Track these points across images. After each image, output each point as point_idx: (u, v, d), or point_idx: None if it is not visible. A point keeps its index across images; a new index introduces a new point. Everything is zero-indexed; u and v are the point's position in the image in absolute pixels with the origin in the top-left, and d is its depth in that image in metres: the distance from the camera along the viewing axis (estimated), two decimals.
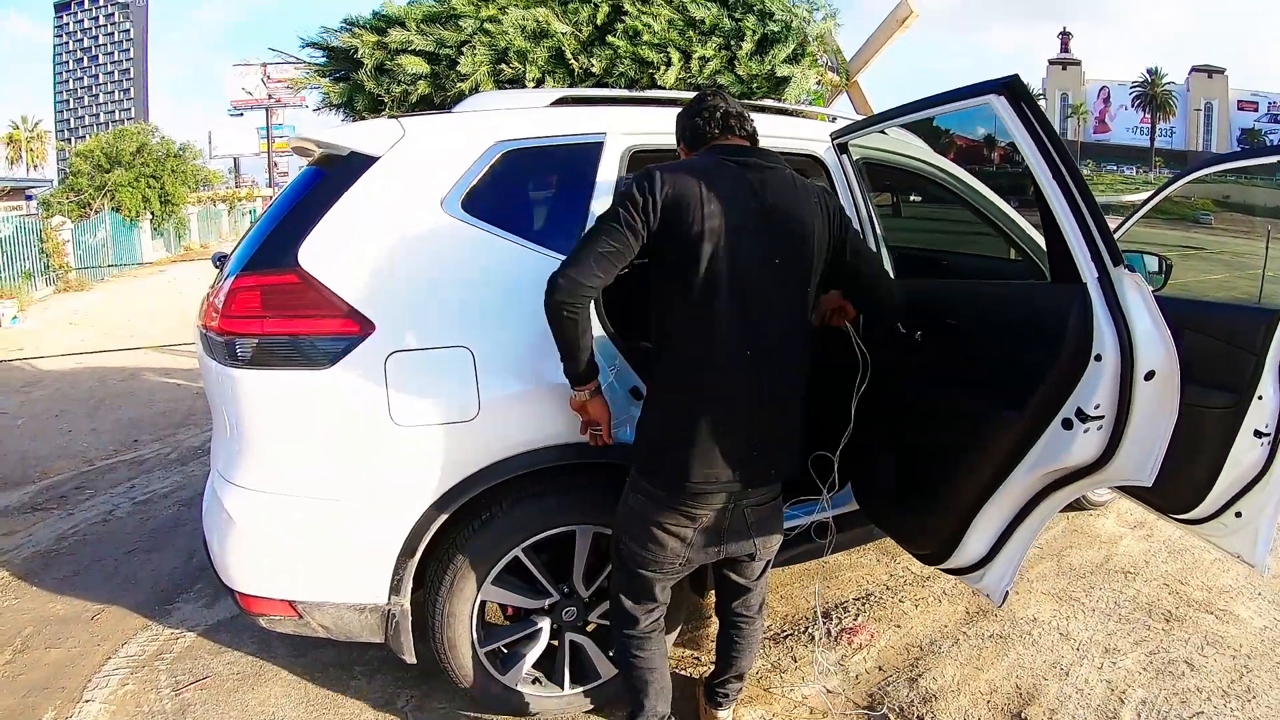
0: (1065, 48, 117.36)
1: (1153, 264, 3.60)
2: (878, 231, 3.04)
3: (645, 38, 3.10)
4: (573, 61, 3.15)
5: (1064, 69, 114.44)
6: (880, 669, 3.09)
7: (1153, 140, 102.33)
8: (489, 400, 2.31)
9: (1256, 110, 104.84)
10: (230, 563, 2.38)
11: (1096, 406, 2.15)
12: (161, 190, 21.39)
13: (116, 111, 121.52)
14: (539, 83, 3.19)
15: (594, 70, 3.15)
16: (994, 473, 2.37)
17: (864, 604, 3.55)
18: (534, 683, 2.67)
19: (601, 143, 2.58)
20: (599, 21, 3.19)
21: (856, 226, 2.48)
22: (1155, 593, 3.69)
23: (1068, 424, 2.19)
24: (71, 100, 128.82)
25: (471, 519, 2.42)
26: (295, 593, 2.37)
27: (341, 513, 2.33)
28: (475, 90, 3.16)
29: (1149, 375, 2.15)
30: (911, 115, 2.69)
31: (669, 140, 2.58)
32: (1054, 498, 2.41)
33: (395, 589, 2.38)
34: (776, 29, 3.13)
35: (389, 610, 2.40)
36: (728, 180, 2.05)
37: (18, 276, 13.90)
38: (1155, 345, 2.15)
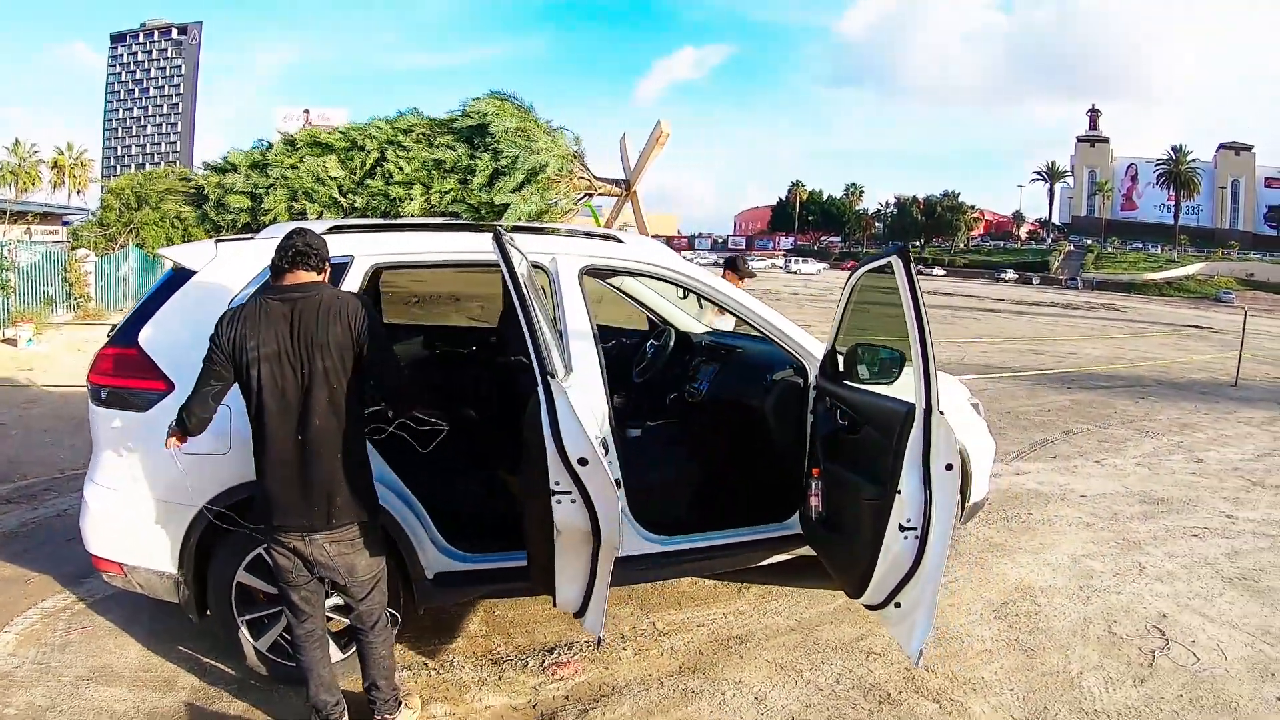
0: (1094, 124, 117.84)
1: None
2: (561, 324, 3.70)
3: (397, 177, 4.16)
4: (342, 199, 4.22)
5: (1092, 146, 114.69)
6: (566, 698, 3.55)
7: (1176, 217, 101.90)
8: (237, 441, 3.20)
9: None
10: (87, 534, 3.45)
11: (558, 483, 2.83)
12: (185, 232, 22.62)
13: (163, 144, 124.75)
14: (320, 216, 4.22)
15: (358, 205, 4.23)
16: (544, 532, 2.99)
17: (590, 646, 3.95)
18: (280, 651, 3.46)
19: (348, 262, 3.52)
20: (367, 166, 4.26)
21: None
22: (889, 676, 3.75)
23: (553, 497, 2.87)
24: (120, 130, 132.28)
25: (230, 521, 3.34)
26: (123, 557, 3.41)
27: (149, 505, 3.35)
28: (275, 222, 4.21)
29: (581, 461, 2.80)
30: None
31: (402, 257, 3.67)
32: (601, 560, 2.98)
33: (181, 563, 3.36)
34: (504, 164, 4.08)
35: (178, 578, 3.39)
36: (268, 317, 2.82)
37: (39, 302, 15.08)
38: (576, 439, 2.81)
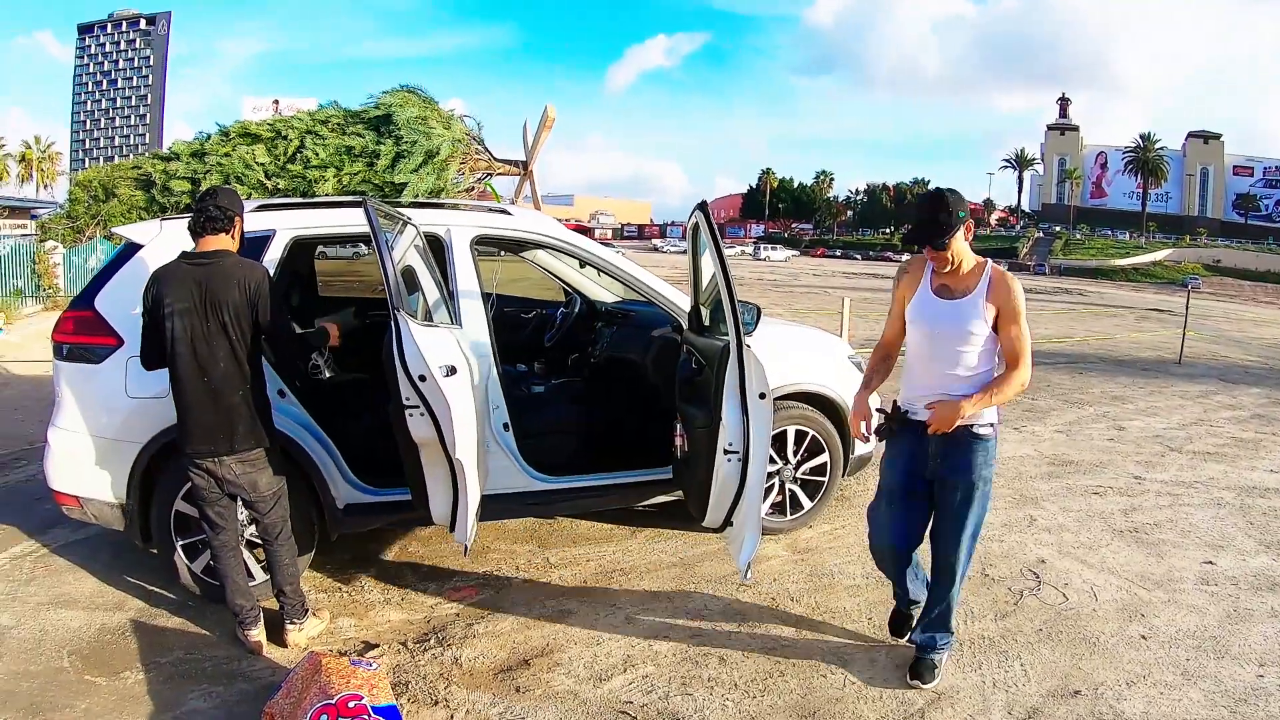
0: (1064, 113, 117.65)
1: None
2: (453, 285, 4.17)
3: (313, 162, 4.78)
4: (267, 182, 4.81)
5: (1062, 134, 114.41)
6: (457, 615, 3.97)
7: (1144, 205, 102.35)
8: None
9: (1252, 175, 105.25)
10: (49, 472, 3.97)
11: (408, 399, 3.26)
12: (142, 219, 22.85)
13: (131, 136, 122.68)
14: (249, 197, 4.74)
15: (281, 186, 4.80)
16: (410, 449, 3.44)
17: (488, 576, 4.41)
18: (211, 573, 3.83)
19: (270, 235, 4.02)
20: (289, 153, 4.86)
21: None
22: (755, 603, 4.05)
23: (406, 411, 3.29)
24: (89, 122, 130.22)
25: (168, 457, 3.83)
26: (79, 490, 3.93)
27: (101, 444, 3.86)
28: None
29: (421, 378, 3.20)
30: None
31: (315, 230, 4.19)
32: (459, 477, 3.40)
33: (128, 494, 3.87)
34: (404, 149, 4.69)
35: (126, 507, 3.90)
36: (181, 278, 3.31)
37: (9, 294, 15.46)
38: (415, 359, 3.19)
